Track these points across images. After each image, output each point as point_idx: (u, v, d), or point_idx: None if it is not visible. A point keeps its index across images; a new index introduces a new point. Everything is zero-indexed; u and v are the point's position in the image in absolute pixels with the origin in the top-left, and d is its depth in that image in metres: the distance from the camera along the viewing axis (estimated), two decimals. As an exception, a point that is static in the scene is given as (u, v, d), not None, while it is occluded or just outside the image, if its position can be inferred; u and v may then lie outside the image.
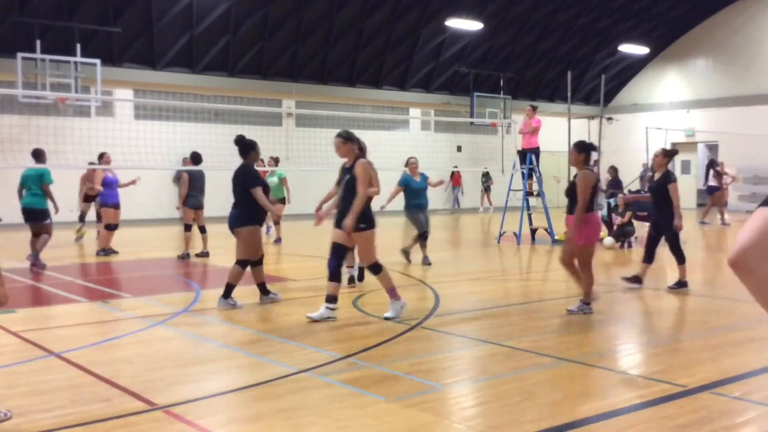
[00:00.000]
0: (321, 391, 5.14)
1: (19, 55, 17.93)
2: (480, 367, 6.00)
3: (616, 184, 16.65)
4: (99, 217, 14.56)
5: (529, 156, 15.59)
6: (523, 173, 15.87)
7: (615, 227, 14.74)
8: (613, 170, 17.27)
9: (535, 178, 15.90)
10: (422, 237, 11.82)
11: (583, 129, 26.11)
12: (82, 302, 8.69)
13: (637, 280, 9.48)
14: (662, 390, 5.11)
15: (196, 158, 13.24)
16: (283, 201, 15.57)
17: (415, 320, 7.50)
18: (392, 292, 7.58)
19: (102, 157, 14.17)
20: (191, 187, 12.91)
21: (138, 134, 18.84)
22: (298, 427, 4.46)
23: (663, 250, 10.35)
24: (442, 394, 5.17)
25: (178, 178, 21.85)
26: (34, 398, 4.97)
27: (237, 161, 8.68)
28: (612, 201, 15.94)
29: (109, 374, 5.52)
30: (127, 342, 6.71)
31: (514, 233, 15.44)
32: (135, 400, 4.95)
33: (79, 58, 18.78)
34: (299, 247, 14.45)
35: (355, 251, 8.71)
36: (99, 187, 13.54)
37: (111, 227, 13.43)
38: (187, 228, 12.94)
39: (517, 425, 4.46)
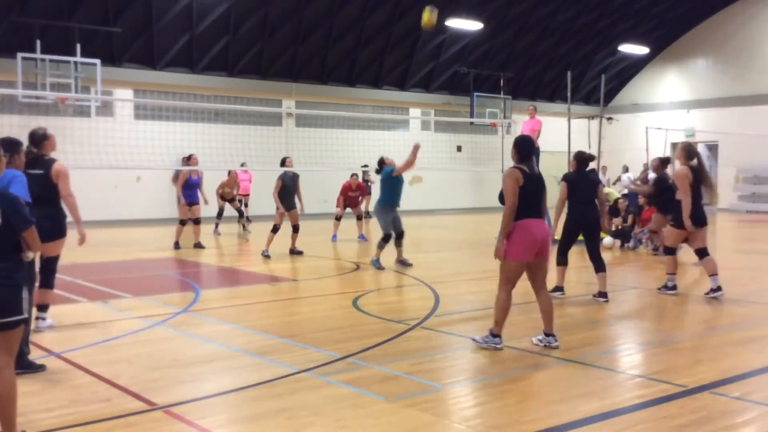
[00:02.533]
0: (321, 391, 5.14)
1: (19, 55, 17.93)
2: (480, 367, 6.00)
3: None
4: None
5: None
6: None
7: (614, 227, 14.74)
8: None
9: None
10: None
11: (583, 129, 26.07)
12: (82, 302, 8.69)
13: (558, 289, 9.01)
14: (662, 390, 5.12)
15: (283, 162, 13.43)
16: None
17: (415, 320, 7.50)
18: None
19: (189, 159, 15.36)
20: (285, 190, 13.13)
21: (138, 134, 18.86)
22: (298, 427, 4.46)
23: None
24: (442, 394, 5.17)
25: (177, 178, 21.97)
26: (34, 398, 4.97)
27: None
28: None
29: (109, 374, 5.52)
30: (127, 342, 6.71)
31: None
32: (135, 400, 4.95)
33: (79, 58, 18.78)
34: (298, 247, 14.43)
35: None
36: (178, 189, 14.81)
37: (195, 221, 14.62)
38: (295, 229, 13.31)
39: (517, 425, 4.46)
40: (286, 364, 5.78)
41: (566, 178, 9.06)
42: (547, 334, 6.41)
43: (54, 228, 6.76)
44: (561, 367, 5.80)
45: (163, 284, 10.28)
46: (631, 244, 14.18)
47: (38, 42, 18.36)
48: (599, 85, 23.06)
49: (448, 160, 27.29)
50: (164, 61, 21.88)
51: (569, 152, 17.40)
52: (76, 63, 18.74)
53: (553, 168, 23.73)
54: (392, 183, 11.48)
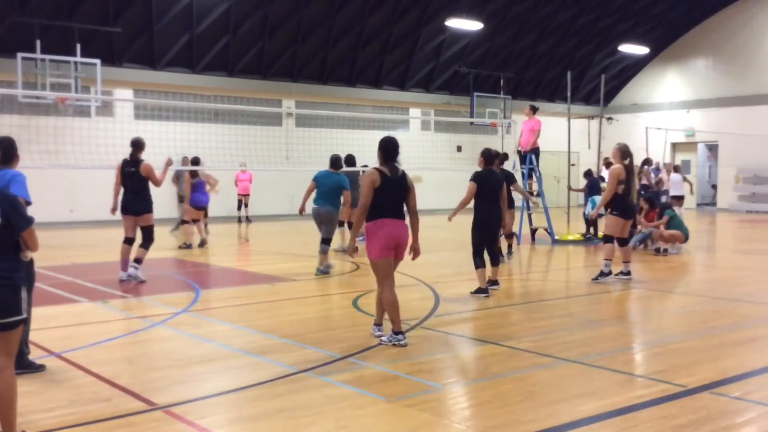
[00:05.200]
0: (321, 391, 5.14)
1: (19, 55, 17.92)
2: (480, 367, 6.00)
3: (592, 185, 16.64)
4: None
5: (529, 156, 15.61)
6: (523, 173, 15.89)
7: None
8: (589, 173, 17.32)
9: (535, 178, 15.91)
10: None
11: (583, 129, 26.08)
12: (82, 302, 8.69)
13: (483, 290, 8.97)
14: (662, 390, 5.12)
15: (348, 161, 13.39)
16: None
17: (415, 320, 7.50)
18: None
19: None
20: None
21: (138, 134, 18.83)
22: (298, 427, 4.46)
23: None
24: (442, 394, 5.17)
25: (177, 178, 21.95)
26: (34, 398, 4.97)
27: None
28: (597, 201, 16.00)
29: (109, 374, 5.52)
30: (127, 342, 6.71)
31: (515, 233, 15.43)
32: (135, 400, 4.95)
33: (79, 58, 18.77)
34: (298, 247, 14.44)
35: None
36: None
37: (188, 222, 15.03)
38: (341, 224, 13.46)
39: (517, 425, 4.46)
40: (286, 364, 5.78)
41: (475, 177, 9.08)
42: (376, 325, 6.79)
43: (145, 207, 9.89)
44: (561, 367, 5.80)
45: (163, 284, 10.27)
46: (631, 243, 14.15)
47: (38, 42, 18.35)
48: (599, 85, 23.05)
49: (448, 160, 27.27)
50: (164, 61, 21.87)
51: (569, 152, 17.42)
52: (76, 63, 18.73)
53: (553, 168, 23.78)
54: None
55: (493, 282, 9.26)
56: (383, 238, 6.40)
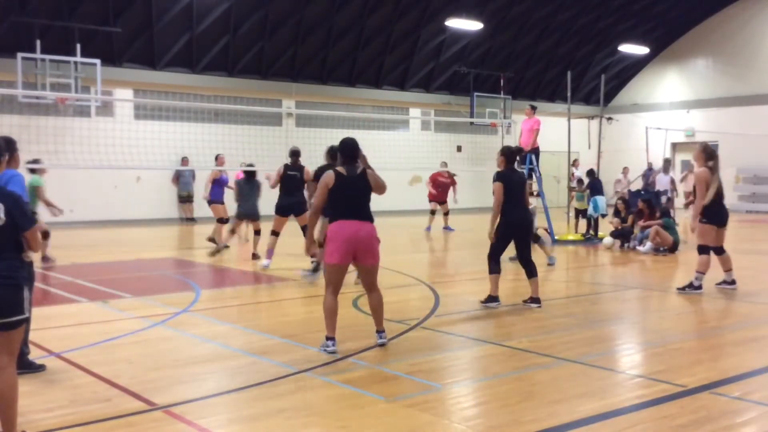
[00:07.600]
0: (321, 391, 5.14)
1: (19, 55, 17.91)
2: (480, 367, 6.00)
3: (593, 185, 16.62)
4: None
5: (529, 156, 15.59)
6: (522, 173, 15.87)
7: (614, 228, 14.75)
8: (591, 172, 17.32)
9: (534, 179, 15.91)
10: None
11: (583, 129, 26.05)
12: (82, 302, 8.69)
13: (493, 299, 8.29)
14: (662, 390, 5.12)
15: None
16: None
17: (415, 320, 7.50)
18: None
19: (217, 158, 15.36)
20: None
21: (138, 134, 18.84)
22: (298, 427, 4.46)
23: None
24: (442, 394, 5.17)
25: (177, 178, 21.97)
26: (34, 398, 4.97)
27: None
28: (598, 201, 16.03)
29: (109, 374, 5.52)
30: (127, 342, 6.71)
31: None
32: (135, 400, 4.95)
33: (79, 58, 18.76)
34: (298, 248, 14.41)
35: None
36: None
37: (222, 221, 14.43)
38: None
39: (517, 425, 4.47)
40: (286, 364, 5.78)
41: (500, 177, 8.15)
42: (378, 331, 6.44)
43: (304, 208, 11.17)
44: (561, 367, 5.80)
45: (163, 284, 10.27)
46: (631, 244, 14.17)
47: (38, 42, 18.34)
48: (599, 85, 23.03)
49: (448, 160, 27.17)
50: (164, 61, 21.86)
51: (569, 152, 17.41)
52: (76, 63, 18.72)
53: (553, 168, 23.77)
54: None
55: (534, 299, 8.22)
56: (338, 241, 6.14)
